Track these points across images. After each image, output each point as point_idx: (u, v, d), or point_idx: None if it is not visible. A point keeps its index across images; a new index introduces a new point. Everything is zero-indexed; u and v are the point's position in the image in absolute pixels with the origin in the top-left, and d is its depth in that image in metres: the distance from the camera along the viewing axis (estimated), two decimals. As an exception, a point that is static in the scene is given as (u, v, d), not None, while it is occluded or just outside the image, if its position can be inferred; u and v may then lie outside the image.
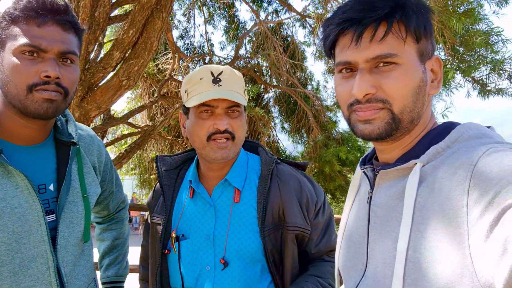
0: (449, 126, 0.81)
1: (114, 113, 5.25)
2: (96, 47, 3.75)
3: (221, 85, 1.25)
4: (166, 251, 1.36)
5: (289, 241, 1.28)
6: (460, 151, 0.72)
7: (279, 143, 6.26)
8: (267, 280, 1.30)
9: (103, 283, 1.61)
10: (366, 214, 0.88)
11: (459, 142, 0.75)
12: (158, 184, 1.50)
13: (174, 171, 1.46)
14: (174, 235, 1.34)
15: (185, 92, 1.33)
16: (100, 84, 3.57)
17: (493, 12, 3.82)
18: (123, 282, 1.62)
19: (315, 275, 1.29)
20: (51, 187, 1.19)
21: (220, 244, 1.29)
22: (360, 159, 0.99)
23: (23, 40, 1.05)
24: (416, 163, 0.76)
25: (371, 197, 0.87)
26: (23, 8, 1.06)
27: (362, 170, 0.92)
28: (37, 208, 1.12)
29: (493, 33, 3.75)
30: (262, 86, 6.09)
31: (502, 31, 3.69)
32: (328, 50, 0.87)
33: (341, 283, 1.04)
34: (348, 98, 0.82)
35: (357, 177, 1.00)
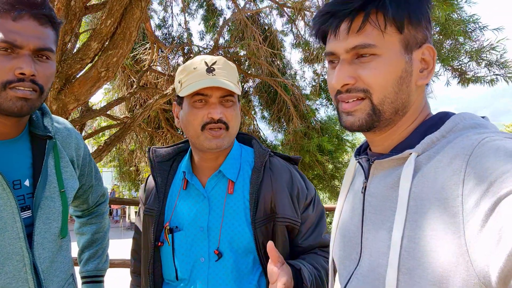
0: (444, 116, 0.81)
1: (91, 105, 5.14)
2: (72, 38, 3.66)
3: (215, 75, 1.26)
4: (159, 243, 1.35)
5: (280, 233, 1.29)
6: (455, 141, 0.72)
7: (260, 132, 6.28)
8: (259, 271, 1.31)
9: (82, 277, 1.59)
10: (360, 204, 0.89)
11: (454, 132, 0.75)
12: (150, 176, 1.49)
13: (167, 163, 1.46)
14: (167, 227, 1.34)
15: (179, 82, 1.32)
16: (78, 76, 3.49)
17: (465, 1, 3.89)
18: (102, 276, 1.61)
19: (309, 262, 1.30)
20: (27, 183, 1.16)
21: (214, 236, 1.29)
22: (355, 149, 0.99)
23: None
24: (411, 153, 0.77)
25: (365, 187, 0.88)
26: None
27: (357, 160, 0.92)
28: (12, 205, 1.09)
29: (470, 21, 3.82)
30: (242, 76, 6.08)
31: (479, 18, 3.77)
32: (322, 42, 0.89)
33: (335, 274, 1.05)
34: (334, 87, 0.84)
35: (352, 168, 1.00)
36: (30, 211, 1.15)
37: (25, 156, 1.19)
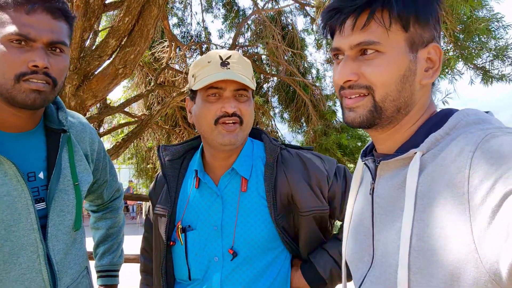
0: (448, 113, 0.81)
1: (110, 102, 5.18)
2: (91, 35, 3.68)
3: (229, 68, 1.23)
4: (171, 243, 1.33)
5: (304, 225, 1.28)
6: (459, 138, 0.72)
7: (278, 132, 6.23)
8: (279, 266, 1.30)
9: (97, 272, 1.60)
10: (369, 205, 0.89)
11: (457, 128, 0.75)
12: (160, 174, 1.47)
13: (177, 160, 1.43)
14: (180, 226, 1.31)
15: (192, 76, 1.30)
16: (96, 73, 3.50)
17: (492, -1, 3.78)
18: (117, 271, 1.62)
19: (331, 247, 1.32)
20: (41, 175, 1.18)
21: (228, 235, 1.26)
22: (361, 151, 0.99)
23: (11, 28, 1.02)
24: (415, 152, 0.77)
25: (373, 188, 0.88)
26: None
27: (363, 162, 0.92)
28: (26, 196, 1.11)
29: (493, 19, 3.70)
30: (262, 76, 6.03)
31: (503, 16, 3.65)
32: (331, 37, 0.89)
33: (348, 274, 1.05)
34: (339, 83, 0.85)
35: (359, 169, 1.00)
36: (44, 203, 1.17)
37: (40, 149, 1.20)
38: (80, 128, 1.35)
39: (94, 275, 1.49)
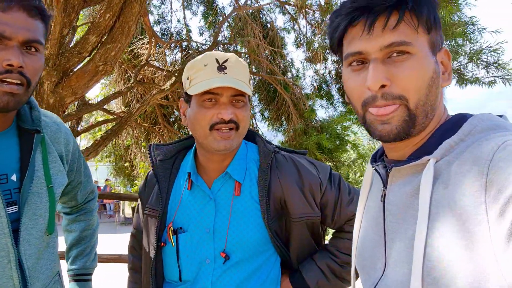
0: (462, 118, 0.78)
1: (88, 100, 5.09)
2: (70, 31, 3.60)
3: (226, 73, 1.21)
4: (162, 244, 1.32)
5: (296, 230, 1.28)
6: (474, 145, 0.70)
7: (259, 131, 6.26)
8: (270, 269, 1.31)
9: (70, 276, 1.56)
10: (380, 212, 0.86)
11: (472, 135, 0.73)
12: (151, 174, 1.45)
13: (169, 161, 1.41)
14: (171, 227, 1.30)
15: (188, 78, 1.27)
16: (76, 70, 3.44)
17: (465, 3, 3.91)
18: (90, 274, 1.58)
19: (322, 257, 1.34)
20: (13, 177, 1.14)
21: (221, 238, 1.27)
22: (371, 155, 0.96)
23: None
24: (429, 159, 0.74)
25: (384, 195, 0.85)
26: None
27: (374, 168, 0.89)
28: None
29: (469, 23, 3.83)
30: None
31: (479, 20, 3.78)
32: (337, 43, 0.83)
33: (357, 278, 1.04)
34: (361, 93, 0.79)
35: (369, 175, 0.97)
36: (16, 206, 1.13)
37: (12, 150, 1.16)
38: (54, 128, 1.31)
39: (66, 278, 1.46)
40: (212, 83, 1.18)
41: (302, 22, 5.56)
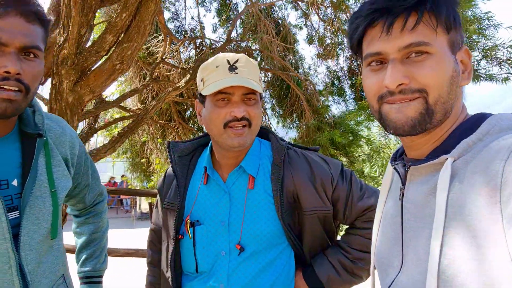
0: (480, 118, 0.79)
1: (105, 97, 5.19)
2: (87, 30, 3.69)
3: (237, 73, 1.27)
4: (180, 236, 1.39)
5: (308, 223, 1.33)
6: (491, 144, 0.70)
7: (271, 127, 6.29)
8: (285, 262, 1.36)
9: (80, 278, 1.58)
10: (399, 211, 0.87)
11: (490, 134, 0.73)
12: (170, 170, 1.52)
13: (186, 157, 1.48)
14: (188, 220, 1.37)
15: (201, 80, 1.34)
16: (93, 68, 3.52)
17: (480, -1, 3.84)
18: (101, 277, 1.59)
19: (333, 253, 1.38)
20: (15, 183, 1.13)
21: (235, 230, 1.33)
22: (392, 154, 0.97)
23: None
24: (447, 158, 0.75)
25: (403, 193, 0.86)
26: None
27: (393, 167, 0.90)
28: None
29: (484, 19, 3.78)
30: (254, 70, 6.03)
31: (494, 16, 3.73)
32: (356, 44, 0.86)
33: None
34: (378, 90, 0.81)
35: (389, 173, 0.99)
36: (17, 211, 1.12)
37: (14, 155, 1.15)
38: (59, 132, 1.30)
39: (75, 280, 1.48)
40: (224, 83, 1.24)
41: (314, 18, 5.56)
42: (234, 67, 1.28)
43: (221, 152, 1.39)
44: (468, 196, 0.69)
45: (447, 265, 0.69)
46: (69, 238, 1.93)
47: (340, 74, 5.93)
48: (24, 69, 1.03)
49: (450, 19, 0.77)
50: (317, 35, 5.56)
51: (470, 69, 0.83)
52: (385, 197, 0.99)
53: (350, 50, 0.93)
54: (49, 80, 3.51)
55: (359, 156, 5.15)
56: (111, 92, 6.60)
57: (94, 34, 4.57)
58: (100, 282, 1.58)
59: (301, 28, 6.10)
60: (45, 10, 1.08)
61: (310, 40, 5.88)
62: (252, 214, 1.33)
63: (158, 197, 1.58)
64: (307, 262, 1.39)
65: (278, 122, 6.24)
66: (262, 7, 5.76)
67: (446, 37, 0.78)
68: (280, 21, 6.00)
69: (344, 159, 5.02)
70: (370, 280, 1.04)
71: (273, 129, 6.17)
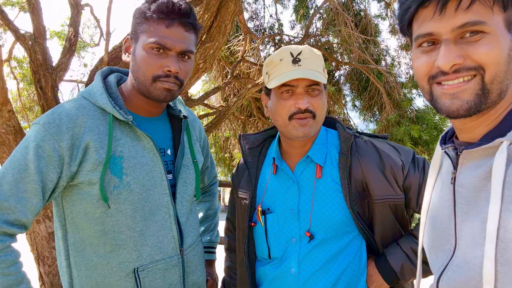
0: None
1: (191, 95, 5.53)
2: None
3: (300, 65, 1.30)
4: (253, 224, 1.45)
5: (378, 212, 1.33)
6: None
7: (350, 121, 6.18)
8: (355, 250, 1.36)
9: None
10: (451, 195, 0.85)
11: None
12: (241, 161, 1.60)
13: (256, 149, 1.55)
14: (260, 209, 1.43)
15: (266, 74, 1.39)
16: (179, 68, 3.78)
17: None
18: (215, 248, 1.78)
19: (406, 242, 1.35)
20: (169, 152, 1.43)
21: (305, 218, 1.36)
22: (440, 137, 0.95)
23: (153, 38, 1.25)
24: (502, 142, 0.72)
25: (454, 177, 0.84)
26: (156, 10, 1.26)
27: (444, 150, 0.88)
28: (160, 167, 1.35)
29: None
30: (333, 64, 6.02)
31: None
32: (407, 25, 0.84)
33: (423, 270, 1.05)
34: (429, 70, 0.79)
35: (438, 156, 0.97)
36: (171, 174, 1.41)
37: (167, 131, 1.46)
38: (192, 118, 1.60)
39: None
40: (288, 76, 1.28)
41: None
42: (297, 59, 1.30)
43: (288, 142, 1.42)
44: None
45: (505, 248, 0.68)
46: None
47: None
48: (181, 68, 1.29)
49: None
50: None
51: None
52: (434, 180, 0.97)
53: (399, 31, 0.91)
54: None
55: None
56: (197, 91, 6.99)
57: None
58: (215, 252, 1.78)
59: (384, 18, 5.91)
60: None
61: (393, 31, 5.68)
62: (320, 203, 1.34)
63: (232, 187, 1.66)
64: (380, 252, 1.38)
65: (358, 115, 6.12)
66: (342, 0, 5.69)
67: (503, 16, 0.74)
68: (361, 13, 5.87)
69: (427, 157, 4.78)
70: (418, 260, 1.02)
71: (352, 123, 6.07)
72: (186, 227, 1.43)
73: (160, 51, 1.26)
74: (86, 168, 1.23)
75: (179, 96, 1.51)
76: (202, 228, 1.77)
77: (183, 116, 1.46)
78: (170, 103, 1.50)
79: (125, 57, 1.37)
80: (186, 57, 1.32)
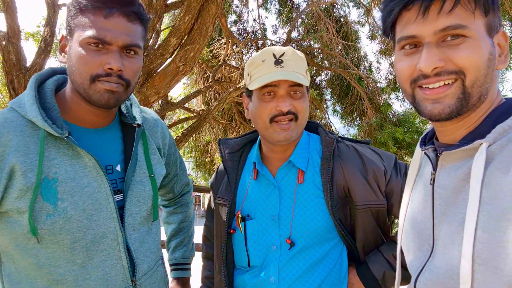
0: None
1: (171, 99, 5.46)
2: (154, 34, 3.91)
3: (283, 67, 1.26)
4: (232, 231, 1.40)
5: (360, 218, 1.30)
6: None
7: (331, 126, 6.20)
8: (337, 257, 1.33)
9: (170, 265, 1.65)
10: (429, 196, 0.86)
11: None
12: (221, 166, 1.55)
13: (236, 153, 1.50)
14: (239, 215, 1.38)
15: (248, 75, 1.35)
16: (158, 70, 3.72)
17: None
18: (189, 264, 1.66)
19: (386, 249, 1.33)
20: (118, 168, 1.23)
21: (286, 224, 1.32)
22: (420, 138, 0.96)
23: (89, 32, 1.07)
24: (481, 143, 0.73)
25: (434, 178, 0.85)
26: None
27: (423, 151, 0.89)
28: (106, 187, 1.16)
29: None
30: (315, 69, 6.03)
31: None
32: (390, 27, 0.84)
33: (403, 278, 1.05)
34: (411, 73, 0.80)
35: (417, 158, 0.97)
36: (121, 194, 1.22)
37: (116, 143, 1.26)
38: (152, 123, 1.39)
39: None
40: (270, 78, 1.24)
41: (377, 14, 5.42)
42: (280, 60, 1.26)
43: (269, 146, 1.38)
44: (504, 180, 0.68)
45: (482, 248, 0.69)
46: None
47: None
48: (125, 66, 1.11)
49: (489, 1, 0.75)
50: (380, 30, 5.41)
51: (507, 52, 0.81)
52: (413, 181, 0.97)
53: (383, 34, 0.91)
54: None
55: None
56: (178, 94, 6.92)
57: (162, 39, 4.82)
58: (189, 269, 1.64)
59: (363, 25, 5.97)
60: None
61: (372, 36, 5.73)
62: (302, 209, 1.31)
63: (211, 193, 1.61)
64: (361, 259, 1.36)
65: (339, 120, 6.15)
66: (323, 6, 5.72)
67: (484, 20, 0.76)
68: (342, 19, 5.91)
69: (410, 160, 4.82)
70: (398, 263, 1.01)
71: (333, 128, 6.09)
72: (139, 254, 1.24)
73: (99, 46, 1.07)
74: (13, 195, 1.04)
75: (135, 99, 1.35)
76: (174, 243, 1.65)
77: (137, 124, 1.26)
78: (123, 109, 1.30)
79: (60, 58, 1.16)
80: (132, 52, 1.12)
